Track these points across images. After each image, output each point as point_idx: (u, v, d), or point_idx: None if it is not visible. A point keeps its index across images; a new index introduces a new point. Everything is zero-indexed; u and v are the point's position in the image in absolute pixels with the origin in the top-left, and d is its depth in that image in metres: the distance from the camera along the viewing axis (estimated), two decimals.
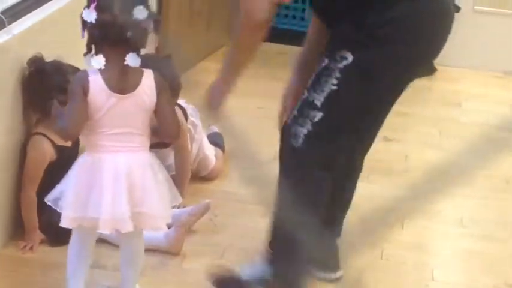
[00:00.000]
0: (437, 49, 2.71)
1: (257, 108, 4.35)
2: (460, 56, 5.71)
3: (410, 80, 2.74)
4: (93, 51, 2.47)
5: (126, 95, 2.49)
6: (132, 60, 2.45)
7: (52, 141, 3.03)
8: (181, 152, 3.47)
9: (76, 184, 2.52)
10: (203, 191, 3.68)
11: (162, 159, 3.00)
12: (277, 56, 4.80)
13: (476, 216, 3.70)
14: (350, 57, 2.57)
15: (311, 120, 2.60)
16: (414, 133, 4.52)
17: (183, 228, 3.17)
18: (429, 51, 2.69)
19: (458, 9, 5.69)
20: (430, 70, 5.52)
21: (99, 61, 2.44)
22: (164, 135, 2.62)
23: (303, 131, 2.61)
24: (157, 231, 2.61)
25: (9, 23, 2.94)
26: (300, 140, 2.61)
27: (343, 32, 2.61)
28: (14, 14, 3.01)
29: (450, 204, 3.80)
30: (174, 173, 3.41)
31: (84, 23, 2.47)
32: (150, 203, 2.55)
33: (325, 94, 2.59)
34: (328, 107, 2.59)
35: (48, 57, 3.05)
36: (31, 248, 3.04)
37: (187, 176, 3.51)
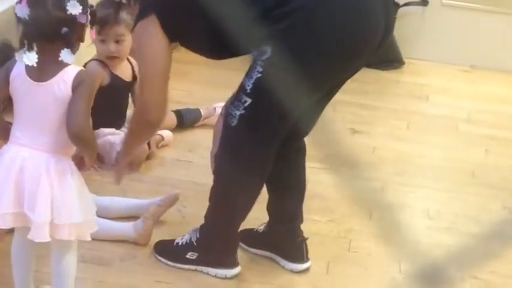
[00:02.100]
0: (351, 40, 2.69)
1: (223, 98, 4.35)
2: (427, 50, 5.76)
3: (334, 69, 2.74)
4: (25, 47, 2.37)
5: (39, 83, 2.40)
6: (66, 56, 2.37)
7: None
8: None
9: None
10: (171, 181, 3.67)
11: None
12: None
13: (443, 209, 3.73)
14: (268, 50, 2.66)
15: (243, 104, 2.75)
16: (382, 126, 4.55)
17: (152, 219, 3.16)
18: (335, 43, 2.68)
19: (426, 3, 5.74)
20: (397, 63, 5.57)
21: (31, 58, 2.35)
22: (67, 130, 2.41)
23: (237, 112, 2.76)
24: (37, 240, 2.48)
25: None
26: (235, 121, 2.77)
27: (259, 30, 2.66)
28: None
29: (417, 197, 3.83)
30: None
31: (18, 19, 2.39)
32: (37, 208, 2.40)
33: (253, 80, 2.72)
34: (255, 93, 2.72)
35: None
36: None
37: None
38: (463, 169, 4.17)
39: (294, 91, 2.69)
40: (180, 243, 3.03)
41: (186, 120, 4.23)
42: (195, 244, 3.00)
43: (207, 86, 4.78)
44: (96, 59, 3.77)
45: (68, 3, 2.36)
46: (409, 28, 5.57)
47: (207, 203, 3.40)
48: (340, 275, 3.12)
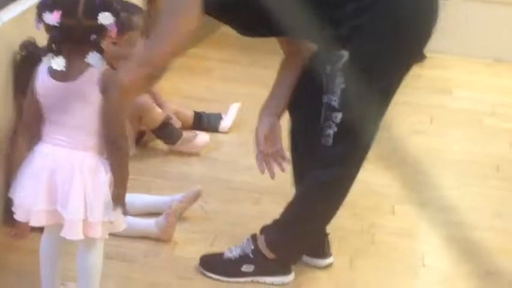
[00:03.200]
0: (422, 29, 2.71)
1: (244, 95, 4.36)
2: (450, 43, 5.72)
3: (409, 60, 2.76)
4: (53, 52, 2.41)
5: (66, 83, 2.41)
6: (94, 60, 2.40)
7: None
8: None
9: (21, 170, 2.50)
10: (194, 177, 3.68)
11: None
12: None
13: (466, 203, 3.70)
14: (345, 54, 2.63)
15: (334, 121, 2.69)
16: (404, 120, 4.53)
17: (174, 215, 3.16)
18: (412, 32, 2.69)
19: None
20: (419, 57, 5.53)
21: (59, 63, 2.39)
22: (103, 136, 2.45)
23: (331, 132, 2.71)
24: (70, 238, 2.50)
25: None
26: (331, 140, 2.72)
27: (327, 35, 2.64)
28: (1, 1, 3.00)
29: (440, 191, 3.80)
30: None
31: (47, 25, 2.40)
32: (70, 206, 2.41)
33: (338, 94, 2.66)
34: (344, 105, 2.67)
35: (41, 43, 3.04)
36: (22, 235, 3.04)
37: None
38: (487, 163, 4.14)
39: (380, 90, 2.68)
40: (232, 257, 2.97)
41: (204, 122, 4.19)
42: (251, 256, 2.95)
43: (228, 82, 4.78)
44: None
45: (100, 14, 2.39)
46: None
47: (229, 199, 3.42)
48: (364, 270, 3.11)
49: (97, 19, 2.39)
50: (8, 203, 2.63)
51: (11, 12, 3.02)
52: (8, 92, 3.03)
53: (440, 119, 4.69)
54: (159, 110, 3.83)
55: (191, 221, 3.32)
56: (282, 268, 2.97)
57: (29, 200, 2.44)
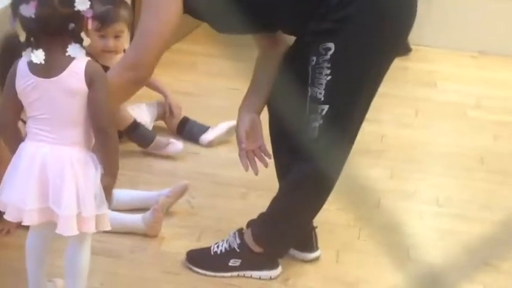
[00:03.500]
0: (405, 20, 2.72)
1: (230, 89, 4.35)
2: (435, 36, 5.74)
3: (393, 51, 2.77)
4: (31, 46, 2.37)
5: (48, 79, 2.38)
6: (74, 51, 2.37)
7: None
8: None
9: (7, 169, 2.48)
10: (180, 172, 3.68)
11: None
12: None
13: (452, 196, 3.72)
14: (332, 46, 2.62)
15: (320, 114, 2.68)
16: (390, 113, 4.54)
17: (161, 210, 3.16)
18: (396, 22, 2.70)
19: None
20: (405, 50, 5.55)
21: (38, 56, 2.35)
22: (93, 127, 2.43)
23: (316, 124, 2.70)
24: (66, 234, 2.47)
25: None
26: (316, 133, 2.70)
27: (313, 28, 2.65)
28: None
29: (426, 184, 3.82)
30: None
31: (23, 18, 2.35)
32: (63, 202, 2.39)
33: (323, 86, 2.66)
34: (330, 96, 2.66)
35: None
36: (8, 231, 3.03)
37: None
38: (472, 155, 4.16)
39: (366, 81, 2.69)
40: (218, 252, 2.97)
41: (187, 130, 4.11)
42: (237, 250, 2.94)
43: (214, 76, 4.78)
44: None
45: (77, 0, 2.35)
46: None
47: (215, 194, 3.42)
48: (350, 264, 3.12)
49: (73, 6, 2.35)
50: None
51: None
52: None
53: (426, 111, 4.71)
54: (129, 111, 3.82)
55: (178, 216, 3.32)
56: (269, 262, 2.97)
57: (20, 200, 2.41)
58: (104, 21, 3.63)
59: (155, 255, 3.05)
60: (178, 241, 3.14)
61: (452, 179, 3.90)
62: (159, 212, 3.15)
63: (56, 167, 2.39)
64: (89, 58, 2.44)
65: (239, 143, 2.91)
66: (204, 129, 4.05)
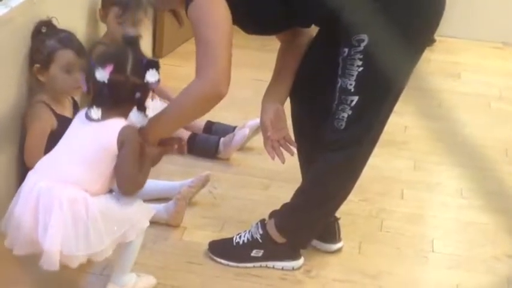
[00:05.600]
0: (435, 12, 2.72)
1: (254, 80, 4.34)
2: (459, 27, 5.70)
3: (424, 43, 2.78)
4: (94, 104, 2.46)
5: (88, 120, 2.48)
6: (138, 118, 2.48)
7: (53, 110, 3.00)
8: None
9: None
10: (202, 162, 3.68)
11: None
12: None
13: (476, 187, 3.70)
14: (366, 37, 2.62)
15: (349, 105, 2.69)
16: (414, 104, 4.52)
17: (183, 200, 3.16)
18: (426, 14, 2.70)
19: None
20: (429, 41, 5.51)
21: (97, 114, 2.44)
22: (118, 187, 2.53)
23: (345, 115, 2.70)
24: (47, 268, 2.46)
25: None
26: (343, 123, 2.71)
27: (345, 19, 2.64)
28: None
29: (449, 175, 3.80)
30: None
31: (95, 81, 2.43)
32: (49, 238, 2.43)
33: (354, 78, 2.66)
34: (361, 88, 2.67)
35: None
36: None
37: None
38: (496, 147, 4.13)
39: (399, 74, 2.69)
40: (241, 242, 2.97)
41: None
42: (260, 241, 2.94)
43: (238, 67, 4.74)
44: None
45: (148, 72, 2.43)
46: None
47: (237, 184, 3.41)
48: (372, 255, 3.11)
49: (144, 77, 2.44)
50: None
51: None
52: (20, 78, 3.01)
53: (450, 103, 4.68)
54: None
55: (200, 206, 3.32)
56: (292, 253, 2.97)
57: (14, 228, 2.49)
58: (125, 8, 3.63)
59: (177, 245, 3.06)
60: (200, 231, 3.15)
61: (476, 170, 3.87)
62: (181, 202, 3.15)
63: (47, 204, 2.44)
64: (127, 123, 2.50)
65: (264, 132, 2.90)
66: (230, 129, 3.87)
